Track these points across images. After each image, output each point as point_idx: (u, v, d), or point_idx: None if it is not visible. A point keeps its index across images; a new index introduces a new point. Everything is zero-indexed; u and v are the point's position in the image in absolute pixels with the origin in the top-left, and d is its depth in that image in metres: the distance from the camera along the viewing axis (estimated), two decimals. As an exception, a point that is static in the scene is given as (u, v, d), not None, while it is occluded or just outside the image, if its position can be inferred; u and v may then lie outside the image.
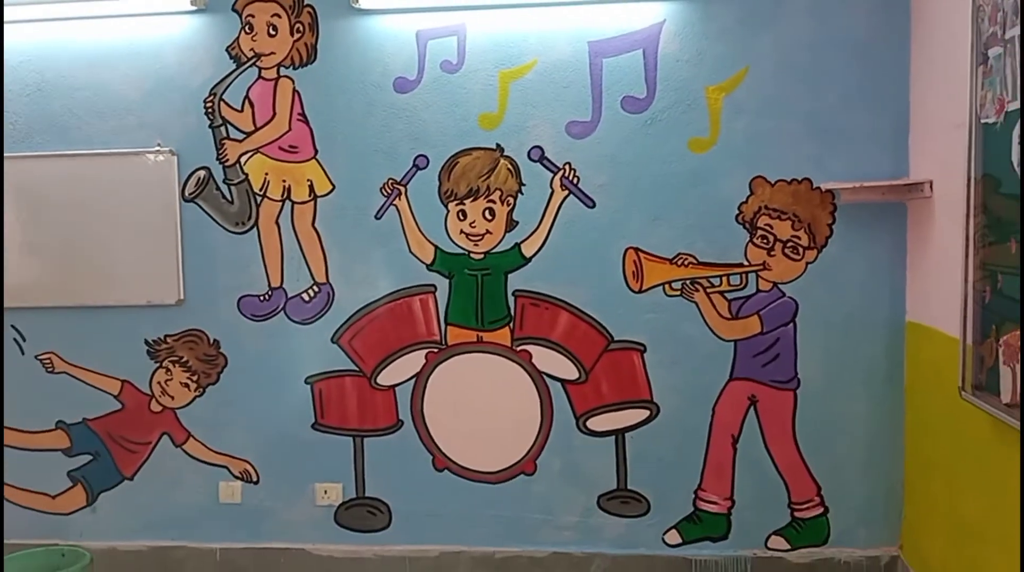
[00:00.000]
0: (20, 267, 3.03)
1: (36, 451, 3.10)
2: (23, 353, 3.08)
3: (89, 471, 3.08)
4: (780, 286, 2.77)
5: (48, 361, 3.06)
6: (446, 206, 2.89)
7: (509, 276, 2.90)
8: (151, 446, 3.05)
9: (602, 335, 2.86)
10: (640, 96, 2.80)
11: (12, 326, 3.07)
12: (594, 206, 2.84)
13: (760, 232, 2.76)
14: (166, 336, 3.01)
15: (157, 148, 2.97)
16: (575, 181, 2.84)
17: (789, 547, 2.83)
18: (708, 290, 2.79)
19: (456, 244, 2.90)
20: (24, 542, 3.08)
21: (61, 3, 2.93)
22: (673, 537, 2.89)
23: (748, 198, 2.76)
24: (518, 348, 2.90)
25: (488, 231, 2.89)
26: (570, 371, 2.88)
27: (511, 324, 2.90)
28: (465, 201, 2.88)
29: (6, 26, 2.97)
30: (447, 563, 2.94)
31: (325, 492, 2.99)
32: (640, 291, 2.84)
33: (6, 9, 2.94)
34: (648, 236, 2.82)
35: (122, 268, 3.00)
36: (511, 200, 2.87)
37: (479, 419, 2.93)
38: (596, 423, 2.89)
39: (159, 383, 3.02)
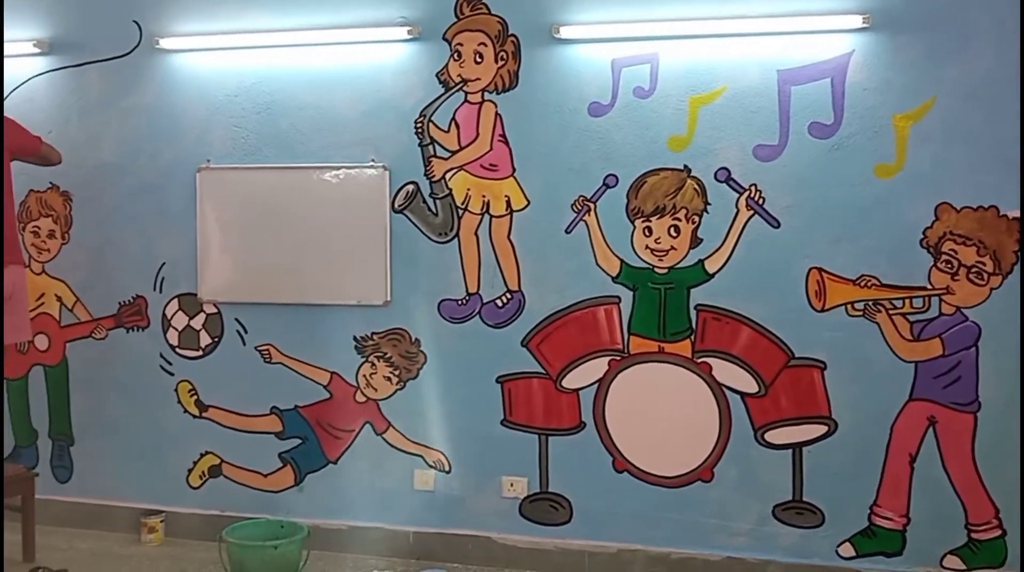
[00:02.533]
0: (245, 267, 4.08)
1: (252, 433, 4.13)
2: (244, 344, 4.12)
3: (298, 453, 4.09)
4: (963, 310, 3.42)
5: (266, 352, 4.09)
6: (633, 222, 3.72)
7: (692, 291, 3.69)
8: (354, 433, 4.03)
9: (783, 351, 3.60)
10: (827, 122, 3.53)
11: (236, 319, 4.13)
12: (779, 226, 3.58)
13: (944, 257, 3.42)
14: (373, 333, 3.97)
15: (371, 163, 3.93)
16: (760, 202, 3.59)
17: (965, 567, 3.48)
18: (890, 312, 3.48)
19: (641, 258, 3.72)
20: (239, 515, 4.13)
21: (292, 31, 3.93)
22: (847, 550, 3.60)
23: (933, 223, 3.44)
24: (699, 360, 3.68)
25: (673, 247, 3.69)
26: (750, 384, 3.63)
27: (692, 337, 3.69)
28: (652, 218, 3.69)
29: (244, 52, 4.05)
30: (624, 560, 3.77)
31: (511, 485, 3.87)
32: (822, 310, 3.56)
33: (244, 36, 3.98)
34: (831, 257, 3.54)
35: (336, 271, 3.99)
36: (696, 218, 3.66)
37: (658, 425, 3.73)
38: (774, 436, 3.63)
39: (364, 376, 3.99)
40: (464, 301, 3.95)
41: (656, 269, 3.76)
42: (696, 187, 3.70)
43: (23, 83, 4.31)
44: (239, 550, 3.49)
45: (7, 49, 4.28)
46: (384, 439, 4.07)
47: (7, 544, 4.00)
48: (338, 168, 4.03)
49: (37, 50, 4.28)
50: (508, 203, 3.89)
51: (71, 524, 4.31)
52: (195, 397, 4.25)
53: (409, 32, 3.87)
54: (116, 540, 4.25)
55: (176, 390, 4.27)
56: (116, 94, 4.27)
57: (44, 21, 4.31)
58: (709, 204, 3.69)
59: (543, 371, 3.89)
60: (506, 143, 3.87)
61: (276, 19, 4.02)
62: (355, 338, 4.07)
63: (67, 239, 4.35)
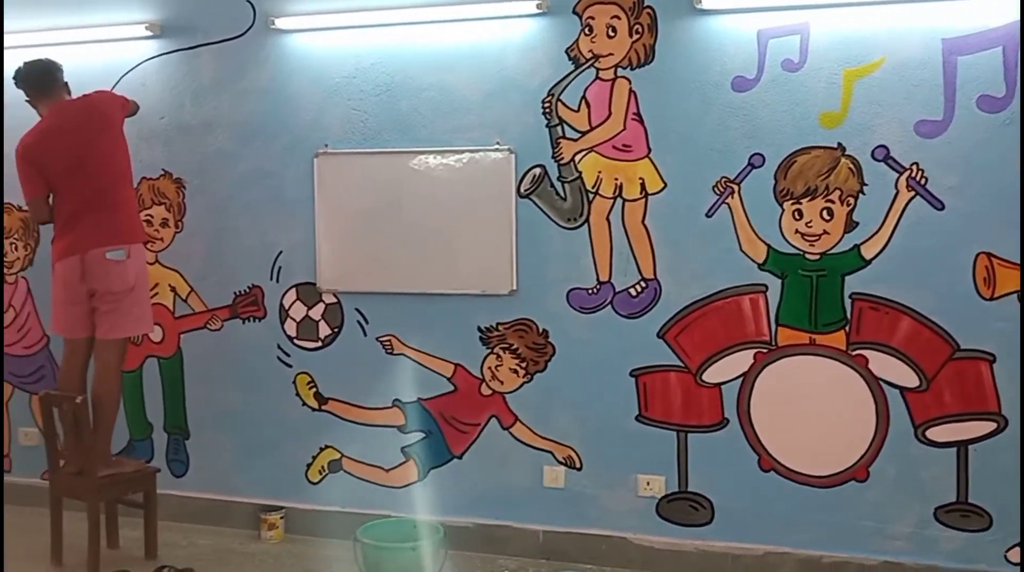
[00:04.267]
0: (366, 255, 4.02)
1: (373, 426, 4.08)
2: (365, 335, 4.07)
3: (421, 448, 4.04)
4: None
5: (388, 343, 4.04)
6: (781, 205, 3.55)
7: (846, 278, 3.52)
8: (480, 427, 3.95)
9: (947, 343, 3.42)
10: (998, 95, 3.33)
11: (356, 309, 4.07)
12: (943, 208, 3.39)
13: None
14: (498, 324, 3.89)
15: (496, 146, 3.83)
16: (923, 182, 3.40)
17: None
18: (1068, 299, 3.27)
19: (790, 244, 3.56)
20: (360, 511, 4.08)
21: (412, 8, 3.82)
22: (1017, 555, 3.40)
23: (1121, 204, 3.21)
24: (854, 352, 3.52)
25: (825, 231, 3.52)
26: (910, 378, 3.46)
27: (847, 327, 3.52)
28: (802, 200, 3.52)
29: (362, 31, 3.96)
30: (771, 563, 3.64)
31: (647, 484, 3.76)
32: (991, 298, 3.36)
33: (362, 15, 3.90)
34: (1001, 241, 3.36)
35: (460, 259, 3.91)
36: (851, 200, 3.48)
37: (809, 422, 3.58)
38: (936, 433, 3.46)
39: (490, 368, 3.91)
40: (595, 290, 3.84)
41: (807, 255, 3.59)
42: (851, 166, 3.52)
43: (135, 67, 4.31)
44: (376, 551, 3.45)
45: (119, 32, 4.27)
46: (511, 434, 4.00)
47: (129, 540, 4.03)
48: (461, 152, 3.94)
49: (149, 33, 4.26)
50: (643, 186, 3.76)
51: (187, 519, 4.32)
52: (314, 389, 4.22)
53: (537, 6, 3.75)
54: (235, 537, 4.25)
55: (294, 382, 4.24)
56: (230, 77, 4.23)
57: (156, 3, 4.29)
58: (865, 184, 3.51)
59: (681, 364, 3.76)
60: (641, 122, 3.74)
61: (395, -4, 3.92)
62: (480, 329, 3.99)
63: (180, 228, 4.34)
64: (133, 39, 4.30)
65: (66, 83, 3.89)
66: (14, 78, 3.84)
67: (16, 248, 4.58)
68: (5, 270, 4.63)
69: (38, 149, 3.75)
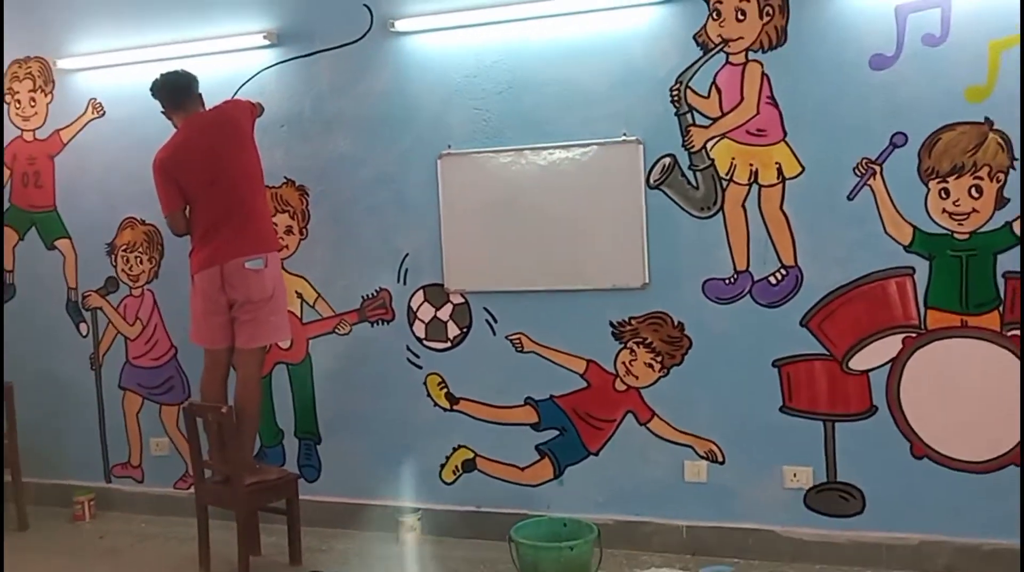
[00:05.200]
0: (492, 255, 4.03)
1: (507, 425, 4.08)
2: (494, 334, 4.08)
3: (556, 445, 4.03)
4: None
5: (518, 341, 4.04)
6: (926, 184, 3.48)
7: (998, 256, 3.42)
8: (616, 423, 3.94)
9: (1113, 319, 3.29)
10: None
11: (484, 308, 4.09)
12: (1103, 180, 3.26)
13: None
14: (631, 318, 3.86)
15: (623, 137, 3.79)
16: (1079, 154, 3.28)
17: None
18: None
19: (938, 224, 3.48)
20: (496, 510, 4.10)
21: (532, 3, 3.81)
22: None
23: None
24: (1008, 332, 3.42)
25: (975, 209, 3.44)
26: (1073, 357, 3.34)
27: (1000, 308, 3.42)
28: (949, 178, 3.44)
29: (482, 29, 3.96)
30: (927, 552, 3.57)
31: (794, 475, 3.70)
32: None
33: (482, 12, 3.89)
34: None
35: (589, 254, 3.89)
36: (1001, 176, 3.39)
37: (963, 406, 3.50)
38: (1104, 413, 3.33)
39: (624, 363, 3.89)
40: (732, 280, 3.80)
41: (956, 235, 3.51)
42: (1000, 141, 3.43)
43: (253, 76, 4.37)
44: (533, 551, 3.45)
45: (237, 43, 4.34)
46: (648, 429, 3.97)
47: (268, 547, 4.10)
48: (587, 145, 3.93)
49: (267, 42, 4.30)
50: (779, 171, 3.70)
51: (323, 524, 4.37)
52: (445, 390, 4.24)
53: (667, -9, 3.71)
54: (373, 540, 4.29)
55: (425, 383, 4.27)
56: (348, 82, 4.27)
57: (272, 12, 4.35)
58: (1016, 159, 3.41)
59: (826, 352, 3.70)
60: (775, 105, 3.68)
61: (515, -9, 3.92)
62: (612, 324, 3.97)
63: (305, 234, 4.39)
64: (251, 49, 4.36)
65: (200, 95, 3.94)
66: (151, 89, 3.92)
67: (141, 261, 4.68)
68: (132, 283, 4.71)
69: (174, 163, 3.82)
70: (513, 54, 4.02)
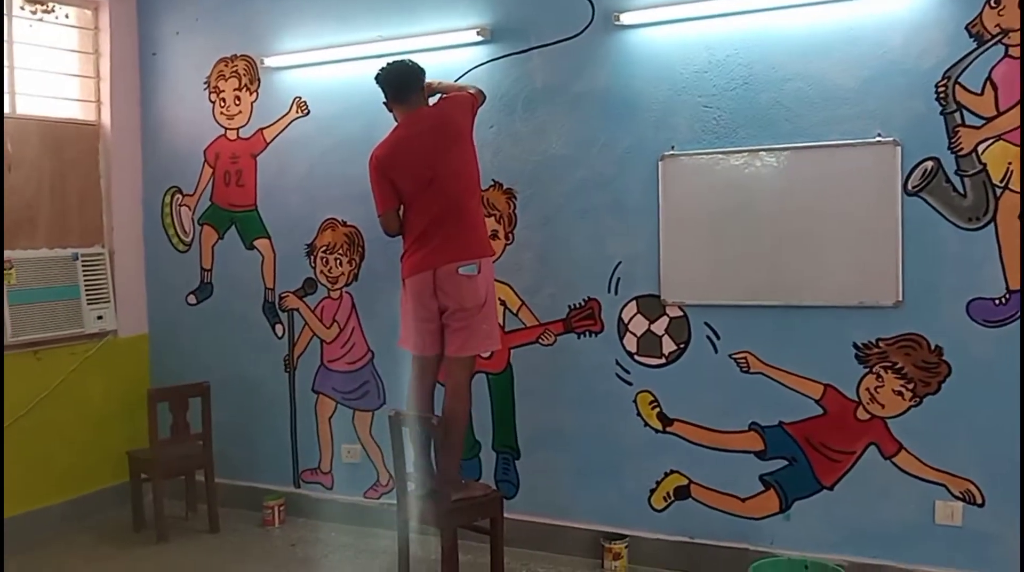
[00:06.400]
0: (717, 265, 3.68)
1: (727, 451, 3.71)
2: (716, 351, 3.73)
3: (784, 476, 3.63)
4: None
5: (743, 360, 3.67)
6: None
7: None
8: (855, 456, 3.51)
9: None
10: None
11: (705, 323, 3.73)
12: None
13: None
14: (879, 340, 3.44)
15: (877, 138, 3.37)
16: None
17: None
18: None
19: None
20: (711, 543, 3.78)
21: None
22: None
23: None
24: None
25: None
26: None
27: None
28: None
29: (715, 20, 3.60)
30: None
31: (1072, 525, 3.17)
32: None
33: (713, 3, 3.56)
34: None
35: (832, 267, 3.49)
36: None
37: None
38: None
39: (868, 389, 3.46)
40: (1003, 300, 3.34)
41: None
42: None
43: (464, 74, 4.16)
44: (781, 595, 3.08)
45: (449, 39, 4.16)
46: (894, 463, 3.54)
47: (469, 567, 3.86)
48: (834, 146, 3.54)
49: (479, 38, 4.10)
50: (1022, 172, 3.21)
51: (520, 544, 4.11)
52: (657, 409, 3.91)
53: (937, -23, 3.28)
54: (574, 564, 4.02)
55: (635, 401, 3.96)
56: (564, 80, 4.01)
57: (485, 7, 4.14)
58: None
59: (1118, 385, 3.16)
60: (1064, 104, 3.19)
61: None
62: (856, 345, 3.56)
63: (511, 239, 4.15)
64: (461, 46, 4.16)
65: (424, 89, 3.74)
66: (376, 78, 3.74)
67: (340, 263, 4.55)
68: (331, 285, 4.58)
69: (391, 162, 3.64)
70: (749, 47, 3.68)
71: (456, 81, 4.05)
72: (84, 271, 4.68)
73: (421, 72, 3.70)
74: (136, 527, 4.57)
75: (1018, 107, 3.31)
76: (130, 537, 4.51)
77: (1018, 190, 3.32)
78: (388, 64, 3.72)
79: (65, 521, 4.59)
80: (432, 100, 3.82)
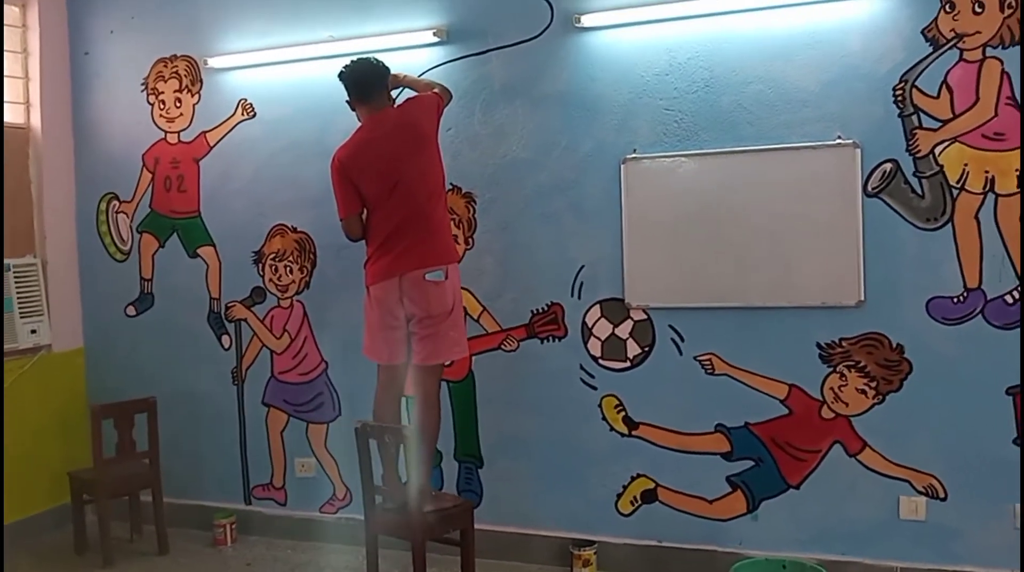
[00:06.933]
0: (680, 268, 3.72)
1: (693, 453, 3.74)
2: (681, 353, 3.75)
3: (750, 477, 3.68)
4: None
5: (708, 362, 3.68)
6: None
7: None
8: (821, 454, 3.57)
9: None
10: None
11: (669, 326, 3.75)
12: None
13: None
14: (841, 339, 3.51)
15: (837, 141, 3.43)
16: None
17: None
18: None
19: None
20: (679, 545, 3.82)
21: (734, -4, 3.47)
22: None
23: None
24: None
25: None
26: None
27: None
28: None
29: (677, 23, 3.63)
30: None
31: (1031, 516, 3.29)
32: None
33: (675, 5, 3.58)
34: None
35: (795, 268, 3.55)
36: None
37: None
38: None
39: (832, 389, 3.53)
40: (961, 298, 3.43)
41: None
42: None
43: (421, 75, 4.05)
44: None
45: (405, 39, 4.08)
46: (859, 461, 3.60)
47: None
48: (796, 149, 3.58)
49: (436, 39, 4.03)
50: (1020, 179, 3.31)
51: (487, 554, 4.04)
52: (623, 413, 3.91)
53: (887, -17, 3.35)
54: (544, 572, 3.95)
55: (600, 405, 3.95)
56: (523, 82, 3.98)
57: (442, 7, 4.08)
58: None
59: (1072, 379, 3.29)
60: (1016, 107, 3.31)
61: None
62: (819, 345, 3.61)
63: (471, 244, 4.10)
64: (417, 47, 4.09)
65: (388, 89, 3.65)
66: (339, 75, 3.64)
67: (291, 271, 4.42)
68: (281, 294, 4.45)
69: (354, 165, 3.55)
70: (710, 50, 3.70)
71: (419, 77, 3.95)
72: (16, 282, 4.43)
73: (386, 71, 3.62)
74: (78, 550, 4.36)
75: (973, 109, 3.38)
76: (73, 561, 4.30)
77: (976, 190, 3.40)
78: (352, 62, 3.62)
79: (3, 547, 4.32)
80: (395, 94, 3.71)
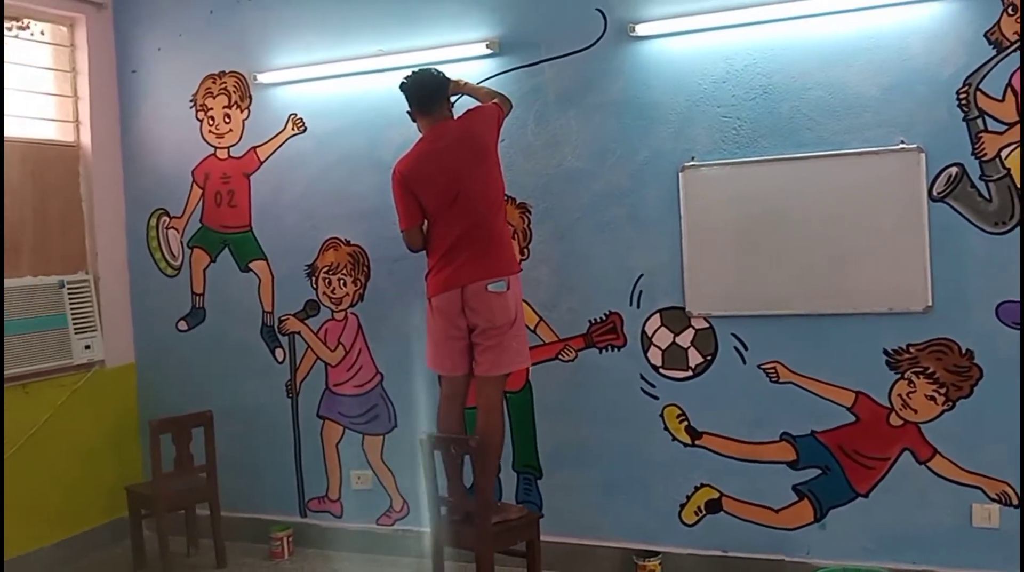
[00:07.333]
0: (742, 275, 3.69)
1: (758, 463, 3.71)
2: (744, 362, 3.72)
3: (817, 485, 3.65)
4: None
5: (772, 370, 3.66)
6: None
7: None
8: (890, 462, 3.53)
9: None
10: None
11: (732, 334, 3.72)
12: None
13: None
14: (909, 345, 3.47)
15: (901, 146, 3.40)
16: None
17: None
18: None
19: None
20: (746, 555, 3.76)
21: (791, 2, 3.45)
22: None
23: None
24: None
25: None
26: None
27: None
28: None
29: (733, 31, 3.61)
30: None
31: (1110, 522, 3.24)
32: None
33: (732, 12, 3.55)
34: None
35: (858, 274, 3.52)
36: None
37: None
38: None
39: (900, 396, 3.49)
40: (1032, 302, 3.38)
41: None
42: None
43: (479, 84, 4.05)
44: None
45: (457, 52, 4.08)
46: (929, 468, 3.57)
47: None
48: (858, 154, 3.56)
49: (488, 51, 4.02)
50: (1022, 173, 3.28)
51: (549, 565, 4.01)
52: (685, 423, 3.88)
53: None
54: (607, 583, 3.93)
55: (662, 415, 3.92)
56: (577, 92, 3.98)
57: (494, 19, 4.09)
58: None
59: None
60: (1084, 108, 3.26)
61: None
62: (886, 352, 3.58)
63: (527, 254, 4.10)
64: (469, 59, 4.10)
65: (450, 100, 3.66)
66: (400, 86, 3.65)
67: (345, 283, 4.43)
68: (335, 307, 4.46)
69: (414, 177, 3.55)
70: (769, 56, 3.69)
71: (461, 96, 3.95)
72: (70, 298, 4.46)
73: (446, 82, 3.63)
74: (136, 565, 4.37)
75: (1042, 112, 3.35)
76: (132, 576, 4.31)
77: (1044, 193, 3.36)
78: (413, 73, 3.63)
79: (60, 563, 4.38)
80: (454, 98, 3.71)
